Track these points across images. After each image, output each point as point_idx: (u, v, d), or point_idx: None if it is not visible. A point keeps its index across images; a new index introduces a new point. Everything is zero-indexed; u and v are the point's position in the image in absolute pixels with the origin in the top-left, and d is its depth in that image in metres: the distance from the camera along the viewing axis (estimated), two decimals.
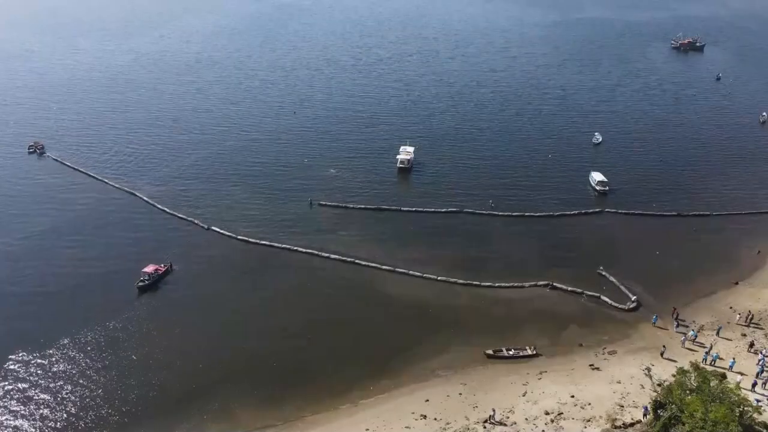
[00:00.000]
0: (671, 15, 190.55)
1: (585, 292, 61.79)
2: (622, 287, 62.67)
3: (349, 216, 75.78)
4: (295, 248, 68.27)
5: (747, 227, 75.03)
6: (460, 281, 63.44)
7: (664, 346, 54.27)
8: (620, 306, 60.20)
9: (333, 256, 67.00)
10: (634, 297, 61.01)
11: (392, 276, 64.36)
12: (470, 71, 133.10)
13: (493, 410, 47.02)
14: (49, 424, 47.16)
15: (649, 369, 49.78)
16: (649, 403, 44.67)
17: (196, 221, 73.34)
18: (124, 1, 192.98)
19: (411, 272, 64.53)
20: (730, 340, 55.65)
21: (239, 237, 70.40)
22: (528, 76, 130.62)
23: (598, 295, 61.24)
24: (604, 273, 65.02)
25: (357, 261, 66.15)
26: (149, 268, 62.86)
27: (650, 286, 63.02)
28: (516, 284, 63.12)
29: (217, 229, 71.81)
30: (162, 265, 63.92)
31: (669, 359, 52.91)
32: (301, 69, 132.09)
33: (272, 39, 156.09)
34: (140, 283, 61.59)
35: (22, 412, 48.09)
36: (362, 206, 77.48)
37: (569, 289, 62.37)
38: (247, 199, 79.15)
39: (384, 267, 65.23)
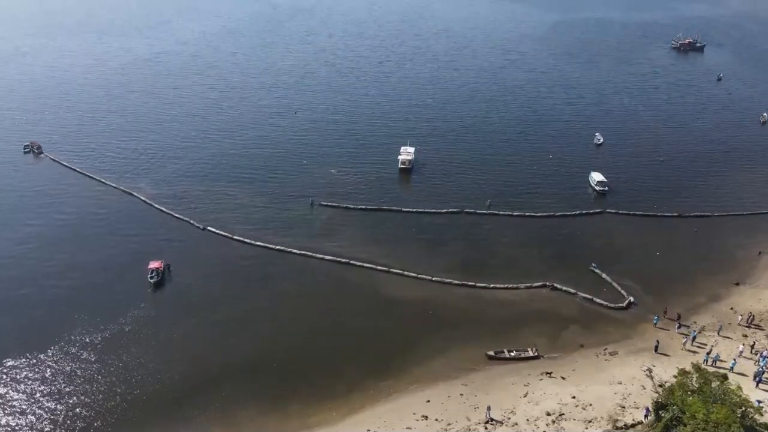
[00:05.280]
0: (671, 15, 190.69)
1: (578, 293, 61.77)
2: (614, 284, 62.81)
3: (349, 216, 75.70)
4: (293, 250, 68.05)
5: (748, 228, 74.97)
6: (455, 281, 63.34)
7: (657, 341, 54.42)
8: (613, 305, 60.24)
9: (332, 257, 66.85)
10: (630, 297, 61.01)
11: (392, 277, 64.21)
12: (471, 72, 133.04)
13: (488, 408, 47.04)
14: (49, 424, 47.07)
15: (650, 370, 49.95)
16: (651, 404, 44.58)
17: (191, 221, 73.24)
18: (122, 2, 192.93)
19: (406, 273, 64.39)
20: (732, 340, 55.57)
21: (235, 237, 70.31)
22: (529, 76, 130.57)
23: (591, 297, 61.19)
24: (596, 270, 65.08)
25: (355, 262, 65.96)
26: (154, 264, 63.05)
27: (651, 287, 63.02)
28: (512, 285, 63.07)
29: (213, 230, 71.69)
30: (160, 262, 64.10)
31: (663, 354, 53.22)
32: (301, 70, 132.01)
33: (272, 40, 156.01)
34: (151, 279, 61.90)
35: (22, 411, 48.00)
36: (363, 207, 77.43)
37: (569, 290, 62.30)
38: (247, 199, 79.01)
39: (379, 267, 65.10)
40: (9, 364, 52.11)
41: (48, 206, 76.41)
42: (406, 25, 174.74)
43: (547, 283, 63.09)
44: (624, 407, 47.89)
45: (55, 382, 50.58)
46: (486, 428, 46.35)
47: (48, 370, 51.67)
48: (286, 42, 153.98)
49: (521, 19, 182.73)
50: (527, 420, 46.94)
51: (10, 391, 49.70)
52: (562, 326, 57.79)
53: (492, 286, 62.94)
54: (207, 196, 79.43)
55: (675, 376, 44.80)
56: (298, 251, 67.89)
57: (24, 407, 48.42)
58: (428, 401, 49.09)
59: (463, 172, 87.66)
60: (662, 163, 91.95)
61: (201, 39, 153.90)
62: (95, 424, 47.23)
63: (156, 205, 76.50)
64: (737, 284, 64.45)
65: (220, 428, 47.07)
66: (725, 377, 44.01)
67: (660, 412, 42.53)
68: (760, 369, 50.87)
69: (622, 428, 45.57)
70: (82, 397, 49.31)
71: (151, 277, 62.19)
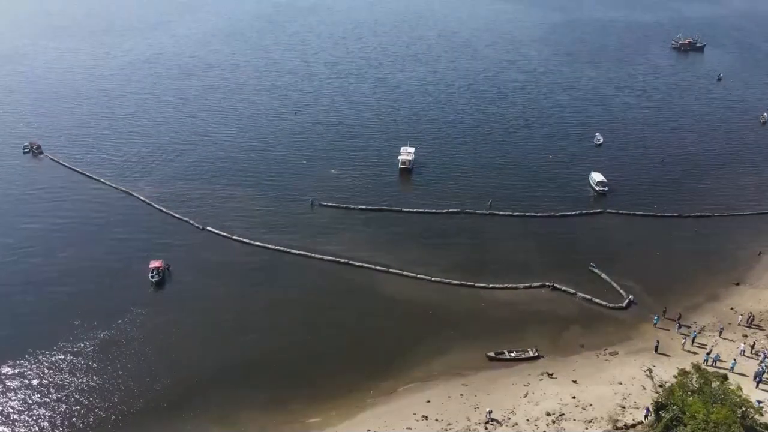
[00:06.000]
0: (671, 15, 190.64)
1: (578, 293, 61.76)
2: (614, 284, 62.82)
3: (349, 217, 75.71)
4: (293, 250, 68.02)
5: (748, 228, 74.99)
6: (455, 282, 63.30)
7: (657, 341, 54.44)
8: (612, 305, 60.23)
9: (331, 257, 66.81)
10: (630, 296, 61.02)
11: (391, 277, 64.17)
12: (471, 72, 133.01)
13: (489, 411, 47.05)
14: (49, 424, 47.09)
15: (650, 370, 50.02)
16: (651, 404, 44.61)
17: (191, 221, 73.24)
18: (121, 2, 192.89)
19: (405, 273, 64.30)
20: (733, 341, 55.51)
21: (235, 237, 70.30)
22: (529, 76, 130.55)
23: (591, 297, 61.16)
24: (596, 270, 65.10)
25: (354, 262, 65.92)
26: (155, 264, 63.16)
27: (651, 287, 62.99)
28: (511, 285, 63.04)
29: (212, 230, 71.70)
30: (161, 262, 64.13)
31: (663, 354, 53.32)
32: (301, 70, 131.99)
33: (271, 40, 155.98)
34: (153, 279, 62.07)
35: (23, 411, 48.03)
36: (363, 207, 77.42)
37: (569, 290, 62.23)
38: (247, 200, 79.04)
39: (378, 267, 65.07)
40: (8, 366, 52.02)
41: (47, 207, 76.42)
42: (405, 25, 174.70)
43: (547, 283, 63.07)
44: (624, 407, 47.88)
45: (54, 384, 50.49)
46: (486, 428, 46.37)
47: (46, 373, 51.56)
48: (285, 42, 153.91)
49: (521, 20, 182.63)
50: (527, 420, 46.94)
51: (9, 395, 49.57)
52: (562, 326, 57.77)
53: (491, 286, 62.96)
54: (206, 196, 79.42)
55: (675, 376, 44.88)
56: (297, 251, 67.90)
57: (22, 409, 48.36)
58: (428, 401, 49.09)
59: (463, 172, 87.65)
60: (662, 163, 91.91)
61: (201, 39, 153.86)
62: (94, 425, 47.20)
63: (155, 205, 76.52)
64: (737, 284, 64.40)
65: (220, 428, 47.05)
66: (725, 377, 44.09)
67: (660, 412, 42.57)
68: (761, 369, 50.85)
69: (622, 428, 45.60)
70: (81, 399, 49.27)
71: (153, 276, 62.28)
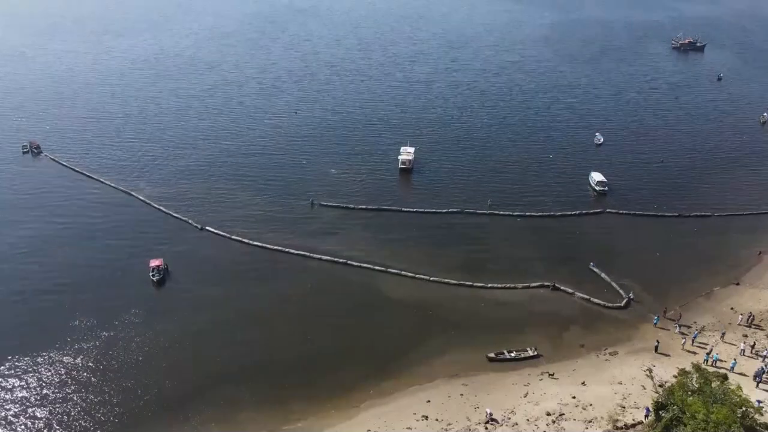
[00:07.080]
0: (671, 15, 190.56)
1: (577, 293, 61.71)
2: (614, 284, 62.83)
3: (349, 217, 75.68)
4: (292, 250, 67.98)
5: (748, 228, 74.95)
6: (453, 281, 63.27)
7: (657, 341, 54.43)
8: (611, 305, 60.21)
9: (331, 257, 66.79)
10: (629, 295, 60.99)
11: (391, 277, 64.12)
12: (471, 72, 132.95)
13: (489, 411, 47.04)
14: (48, 425, 47.04)
15: (650, 370, 50.07)
16: (651, 404, 44.55)
17: (190, 221, 73.22)
18: (121, 3, 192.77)
19: (404, 273, 64.27)
20: (734, 344, 55.30)
21: (234, 237, 70.24)
22: (529, 76, 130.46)
23: (590, 297, 61.11)
24: (596, 270, 65.06)
25: (354, 263, 65.89)
26: (155, 262, 63.18)
27: (651, 287, 62.99)
28: (510, 285, 62.99)
29: (211, 229, 71.69)
30: (161, 260, 64.11)
31: (663, 354, 53.34)
32: (301, 70, 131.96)
33: (271, 40, 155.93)
34: (154, 277, 62.09)
35: (22, 411, 48.02)
36: (363, 207, 77.40)
37: (568, 290, 62.21)
38: (246, 199, 79.00)
39: (378, 267, 65.05)
40: (8, 368, 51.99)
41: (46, 207, 76.34)
42: (405, 25, 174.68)
43: (547, 283, 63.05)
44: (624, 407, 47.87)
45: (54, 386, 50.47)
46: (486, 428, 46.36)
47: (46, 374, 51.55)
48: (285, 42, 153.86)
49: (521, 20, 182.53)
50: (527, 420, 46.94)
51: (9, 398, 49.50)
52: (562, 326, 57.77)
53: (491, 286, 62.94)
54: (206, 196, 79.38)
55: (675, 376, 44.89)
56: (297, 251, 67.85)
57: (22, 412, 48.31)
58: (428, 401, 49.11)
59: (463, 172, 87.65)
60: (662, 163, 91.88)
61: (201, 39, 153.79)
62: (95, 426, 47.18)
63: (155, 205, 76.51)
64: (737, 284, 64.42)
65: (220, 428, 47.06)
66: (725, 377, 44.03)
67: (660, 412, 42.52)
68: (762, 368, 50.80)
69: (622, 428, 45.59)
70: (81, 400, 49.26)
71: (153, 275, 62.24)
